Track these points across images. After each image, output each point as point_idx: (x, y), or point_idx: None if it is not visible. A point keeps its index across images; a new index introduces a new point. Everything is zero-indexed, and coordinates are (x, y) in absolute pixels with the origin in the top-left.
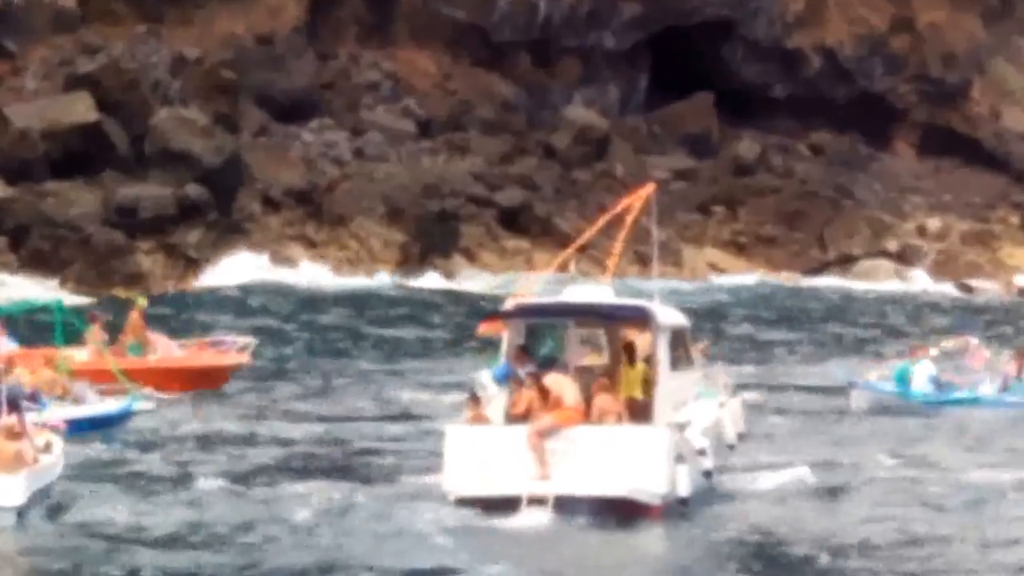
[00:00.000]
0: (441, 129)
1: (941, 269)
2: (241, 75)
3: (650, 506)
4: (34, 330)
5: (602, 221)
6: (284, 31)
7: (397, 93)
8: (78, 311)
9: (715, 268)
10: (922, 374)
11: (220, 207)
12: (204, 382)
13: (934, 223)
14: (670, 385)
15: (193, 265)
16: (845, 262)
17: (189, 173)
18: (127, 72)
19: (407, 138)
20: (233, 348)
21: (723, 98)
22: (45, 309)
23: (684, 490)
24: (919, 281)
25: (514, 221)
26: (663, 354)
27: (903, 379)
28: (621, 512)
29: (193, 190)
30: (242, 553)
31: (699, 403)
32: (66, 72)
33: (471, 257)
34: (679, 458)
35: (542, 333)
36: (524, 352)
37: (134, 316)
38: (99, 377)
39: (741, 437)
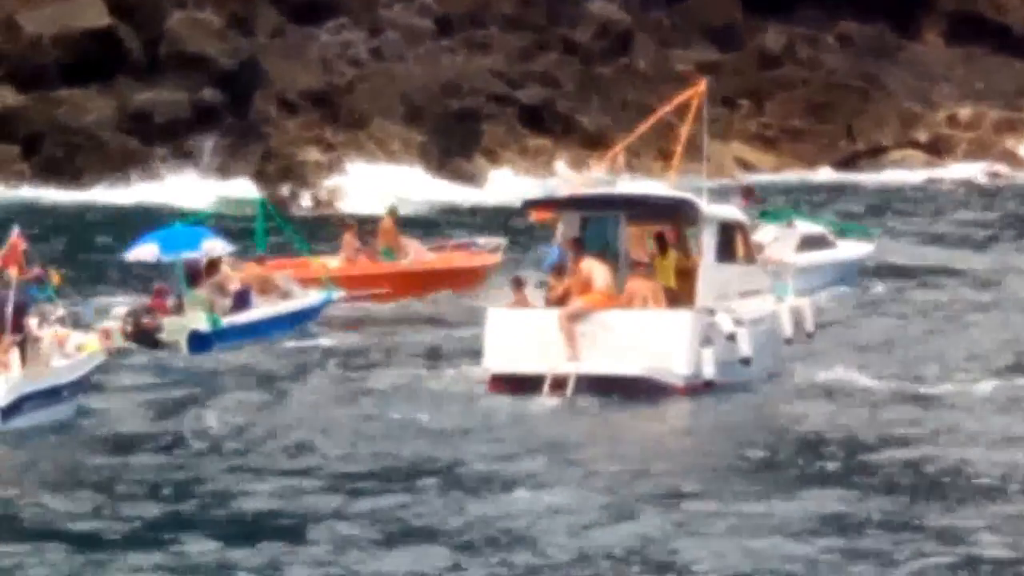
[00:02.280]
0: (460, 26)
1: (973, 158)
2: None
3: (672, 386)
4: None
5: (656, 116)
6: None
7: None
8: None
9: (742, 163)
10: None
11: (236, 111)
12: (461, 283)
13: (965, 112)
14: (715, 276)
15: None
16: (875, 153)
17: (204, 77)
18: None
19: (425, 36)
20: (485, 249)
21: None
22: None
23: (709, 372)
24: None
25: (536, 119)
26: (707, 245)
27: None
28: (643, 391)
29: (209, 94)
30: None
31: (753, 297)
32: None
33: (493, 157)
34: (705, 341)
35: (595, 225)
36: (578, 242)
37: (386, 222)
38: (352, 283)
39: (809, 335)
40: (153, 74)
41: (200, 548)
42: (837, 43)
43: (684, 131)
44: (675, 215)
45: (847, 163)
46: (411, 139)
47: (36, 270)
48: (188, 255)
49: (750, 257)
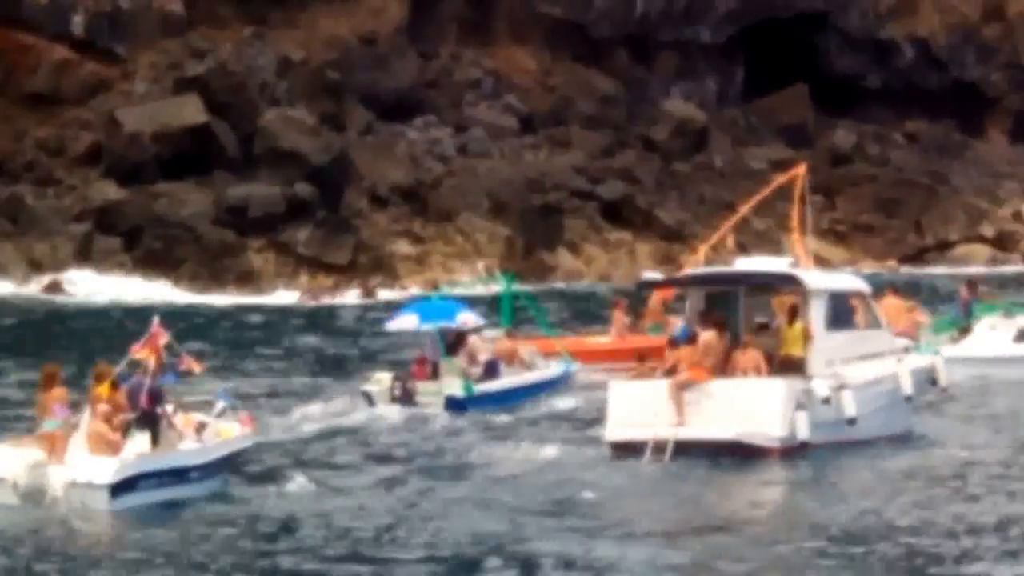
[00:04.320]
0: (542, 124)
1: None
2: (346, 75)
3: (766, 448)
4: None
5: (754, 200)
6: (386, 31)
7: (498, 90)
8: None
9: (816, 257)
10: None
11: (328, 204)
12: None
13: None
14: (826, 343)
15: (304, 263)
16: (942, 248)
17: (297, 172)
18: (234, 74)
19: (509, 134)
20: None
21: (818, 89)
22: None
23: (803, 435)
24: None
25: (616, 213)
26: (816, 314)
27: None
28: (740, 454)
29: (301, 188)
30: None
31: (874, 360)
32: (175, 75)
33: (575, 250)
34: (800, 406)
35: (719, 300)
36: (704, 316)
37: (654, 300)
38: (623, 356)
39: (943, 390)
40: (248, 169)
41: None
42: (905, 140)
43: (795, 211)
44: (784, 288)
45: (915, 258)
46: (496, 232)
47: (185, 360)
48: (445, 325)
49: (873, 323)
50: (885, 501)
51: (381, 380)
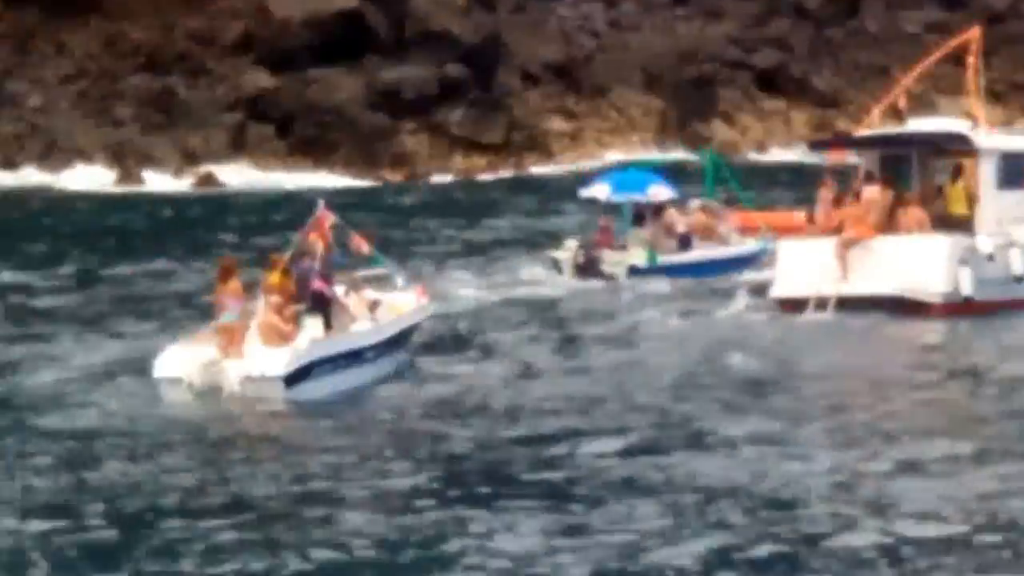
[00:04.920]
0: None
1: None
2: None
3: (929, 304)
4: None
5: (927, 63)
6: None
7: None
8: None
9: (971, 118)
10: None
11: (480, 84)
12: None
13: None
14: (996, 203)
15: (458, 144)
16: None
17: (449, 53)
18: None
19: (660, 6)
20: None
21: None
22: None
23: (967, 290)
24: None
25: (770, 82)
26: (986, 174)
27: None
28: (903, 309)
29: (453, 69)
30: None
31: None
32: None
33: (729, 120)
34: (963, 261)
35: (892, 161)
36: (869, 175)
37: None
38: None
39: None
40: (399, 52)
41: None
42: None
43: (971, 74)
44: (956, 148)
45: None
46: (650, 106)
47: (355, 239)
48: (635, 197)
49: None
50: None
51: (569, 248)
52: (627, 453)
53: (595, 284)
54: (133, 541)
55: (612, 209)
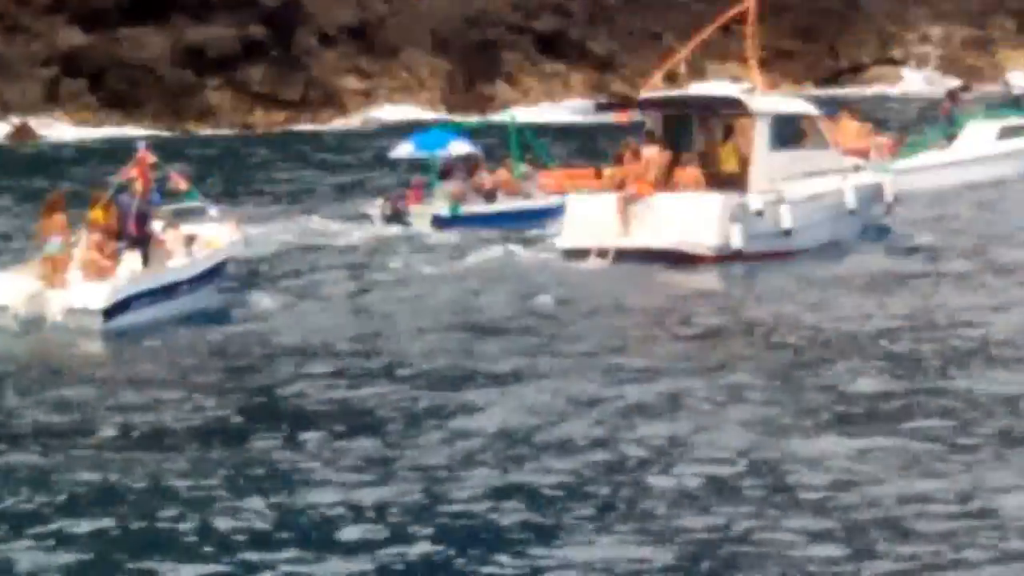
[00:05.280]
0: None
1: (944, 72)
2: None
3: (701, 256)
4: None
5: (708, 31)
6: None
7: None
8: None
9: (738, 81)
10: None
11: (280, 45)
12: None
13: (936, 31)
14: (770, 164)
15: (259, 100)
16: (856, 70)
17: (251, 15)
18: None
19: None
20: None
21: None
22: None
23: (737, 243)
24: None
25: (551, 46)
26: (758, 137)
27: None
28: (679, 261)
29: (255, 30)
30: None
31: (812, 178)
32: None
33: (512, 81)
34: (734, 217)
35: (675, 122)
36: (650, 135)
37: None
38: None
39: (888, 207)
40: (204, 13)
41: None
42: None
43: (750, 42)
44: (731, 110)
45: (831, 80)
46: (438, 68)
47: (173, 176)
48: (437, 153)
49: (820, 144)
50: (802, 305)
51: (377, 202)
52: (414, 387)
53: (400, 232)
54: None
55: (425, 168)
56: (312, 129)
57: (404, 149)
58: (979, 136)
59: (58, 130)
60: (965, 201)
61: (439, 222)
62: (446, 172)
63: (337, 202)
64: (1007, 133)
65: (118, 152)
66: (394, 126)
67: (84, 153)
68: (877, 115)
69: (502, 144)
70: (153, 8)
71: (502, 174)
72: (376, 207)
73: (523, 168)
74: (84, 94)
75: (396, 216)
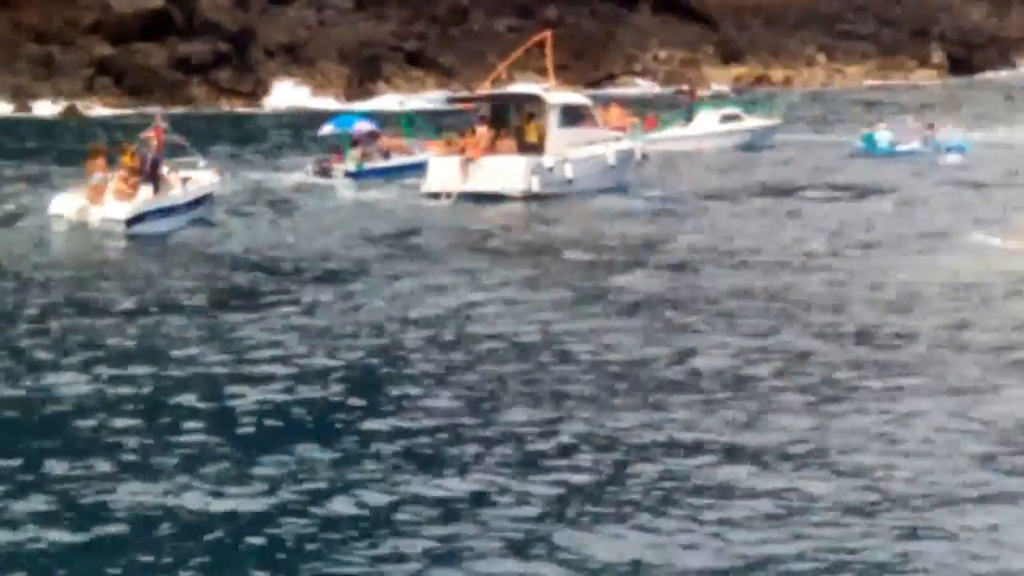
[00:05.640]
0: (372, 4)
1: (667, 80)
2: None
3: (514, 196)
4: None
5: (517, 53)
6: None
7: None
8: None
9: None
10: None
11: (239, 56)
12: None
13: (662, 54)
14: (559, 137)
15: (224, 92)
16: (611, 78)
17: (220, 35)
18: None
19: (349, 11)
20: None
21: None
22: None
23: (535, 188)
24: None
25: (415, 60)
26: (551, 119)
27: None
28: (498, 199)
29: (222, 46)
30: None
31: (592, 146)
32: None
33: (389, 83)
34: (534, 172)
35: (501, 110)
36: (483, 119)
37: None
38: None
39: (639, 164)
40: (189, 34)
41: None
42: (589, 13)
43: (548, 61)
44: (533, 103)
45: (594, 84)
46: (341, 72)
47: (177, 138)
48: (348, 130)
49: (593, 124)
50: (574, 224)
51: (311, 163)
52: (313, 276)
53: (325, 182)
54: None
55: (341, 139)
56: (258, 111)
57: (327, 129)
58: (708, 119)
59: (94, 110)
60: (696, 162)
61: (349, 175)
62: (355, 142)
63: (279, 159)
64: (727, 119)
65: (132, 124)
66: (313, 111)
67: (110, 125)
68: (632, 106)
69: (393, 122)
70: (157, 31)
71: (396, 141)
72: (309, 166)
73: (411, 138)
74: (111, 87)
75: (323, 172)
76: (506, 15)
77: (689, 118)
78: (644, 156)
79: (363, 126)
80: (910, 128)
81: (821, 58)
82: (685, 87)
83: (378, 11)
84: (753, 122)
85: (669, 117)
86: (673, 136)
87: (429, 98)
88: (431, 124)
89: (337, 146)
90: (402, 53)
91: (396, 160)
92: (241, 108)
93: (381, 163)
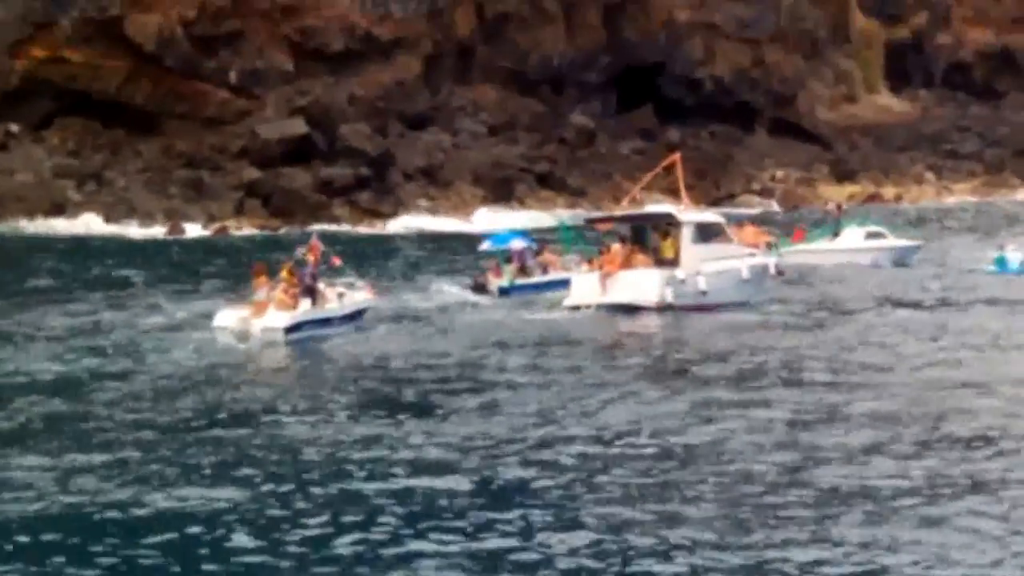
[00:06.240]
0: (503, 130)
1: (785, 199)
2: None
3: (647, 306)
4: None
5: (650, 176)
6: (410, 77)
7: (476, 111)
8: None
9: (679, 203)
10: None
11: (379, 179)
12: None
13: (779, 173)
14: (692, 251)
15: (366, 213)
16: (731, 197)
17: (360, 160)
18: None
19: (482, 135)
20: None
21: (658, 107)
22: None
23: (669, 299)
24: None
25: (545, 181)
26: (684, 236)
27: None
28: (635, 310)
29: (363, 170)
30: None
31: (720, 260)
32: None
33: (521, 203)
34: (666, 284)
35: (639, 230)
36: (622, 239)
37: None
38: None
39: (774, 279)
40: (332, 157)
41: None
42: (708, 136)
43: (680, 181)
44: (668, 221)
45: (715, 203)
46: (476, 193)
47: (333, 259)
48: (506, 247)
49: (725, 239)
50: (709, 335)
51: (469, 279)
52: (460, 380)
53: (483, 298)
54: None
55: (498, 256)
56: (397, 232)
57: (485, 245)
58: (854, 236)
59: (243, 230)
60: (840, 277)
61: (502, 291)
62: (510, 259)
63: (425, 276)
64: (871, 236)
65: (279, 243)
66: (438, 232)
67: (257, 243)
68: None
69: (548, 238)
70: (300, 156)
71: (554, 256)
72: (466, 281)
73: (570, 254)
74: (259, 208)
75: (478, 287)
76: (631, 138)
77: (836, 233)
78: (780, 271)
79: (517, 243)
80: None
81: (930, 176)
82: (833, 204)
83: (510, 135)
84: (896, 241)
85: (817, 232)
86: (819, 249)
87: (566, 216)
88: (589, 239)
89: (496, 262)
90: (532, 175)
91: (546, 276)
92: (379, 229)
93: (533, 279)
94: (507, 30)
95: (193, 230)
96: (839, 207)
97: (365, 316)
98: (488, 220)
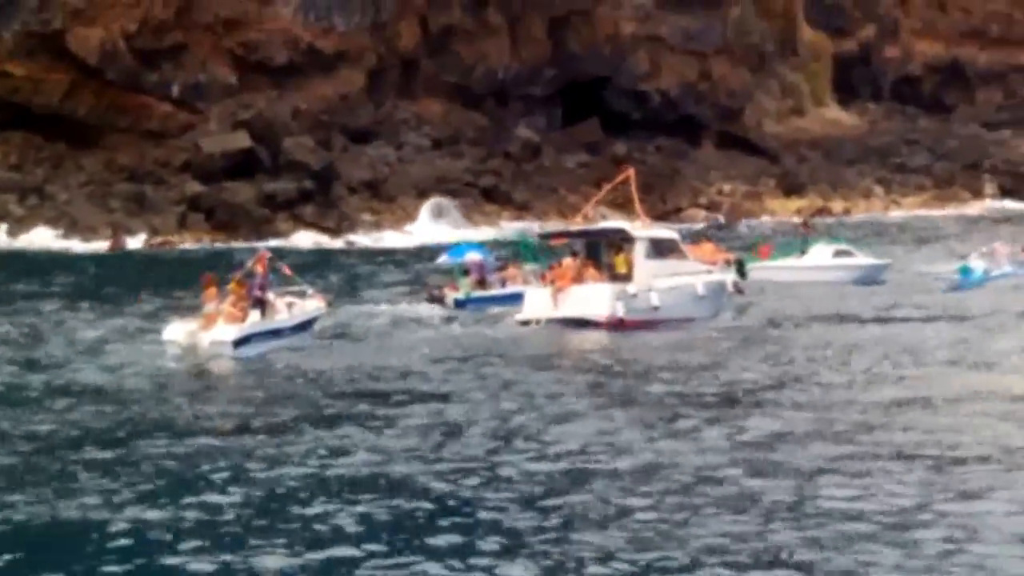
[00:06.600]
0: (447, 144)
1: (731, 213)
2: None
3: (598, 322)
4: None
5: (603, 192)
6: (354, 90)
7: (420, 125)
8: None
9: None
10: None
11: (322, 192)
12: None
13: (726, 187)
14: (645, 267)
15: (310, 226)
16: (678, 211)
17: (304, 173)
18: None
19: (426, 149)
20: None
21: (604, 120)
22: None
23: (620, 313)
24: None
25: (489, 195)
26: (638, 252)
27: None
28: (585, 325)
29: (306, 183)
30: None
31: (675, 276)
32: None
33: (466, 216)
34: (618, 298)
35: (592, 245)
36: (575, 253)
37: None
38: None
39: (730, 296)
40: (275, 172)
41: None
42: (655, 150)
43: (634, 196)
44: (622, 236)
45: (661, 217)
46: (419, 205)
47: (283, 268)
48: (463, 260)
49: (680, 255)
50: (659, 351)
51: (424, 290)
52: (412, 395)
53: (438, 310)
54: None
55: (454, 269)
56: (341, 247)
57: (444, 260)
58: (821, 253)
59: (185, 244)
60: (800, 294)
61: (458, 303)
62: (467, 271)
63: (374, 290)
64: (839, 254)
65: (222, 257)
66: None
67: (201, 257)
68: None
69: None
70: (244, 170)
71: (513, 272)
72: (422, 293)
73: (531, 266)
74: (202, 222)
75: (434, 299)
76: (576, 152)
77: (803, 251)
78: (739, 289)
79: (474, 256)
80: (998, 253)
81: (878, 190)
82: (802, 220)
83: (454, 149)
84: (865, 259)
85: (784, 248)
86: (786, 266)
87: (513, 229)
88: (545, 253)
89: (452, 277)
90: (477, 189)
91: (504, 289)
92: (323, 244)
93: (490, 292)
94: (451, 43)
95: (136, 244)
96: (806, 224)
97: (315, 328)
98: (428, 232)
